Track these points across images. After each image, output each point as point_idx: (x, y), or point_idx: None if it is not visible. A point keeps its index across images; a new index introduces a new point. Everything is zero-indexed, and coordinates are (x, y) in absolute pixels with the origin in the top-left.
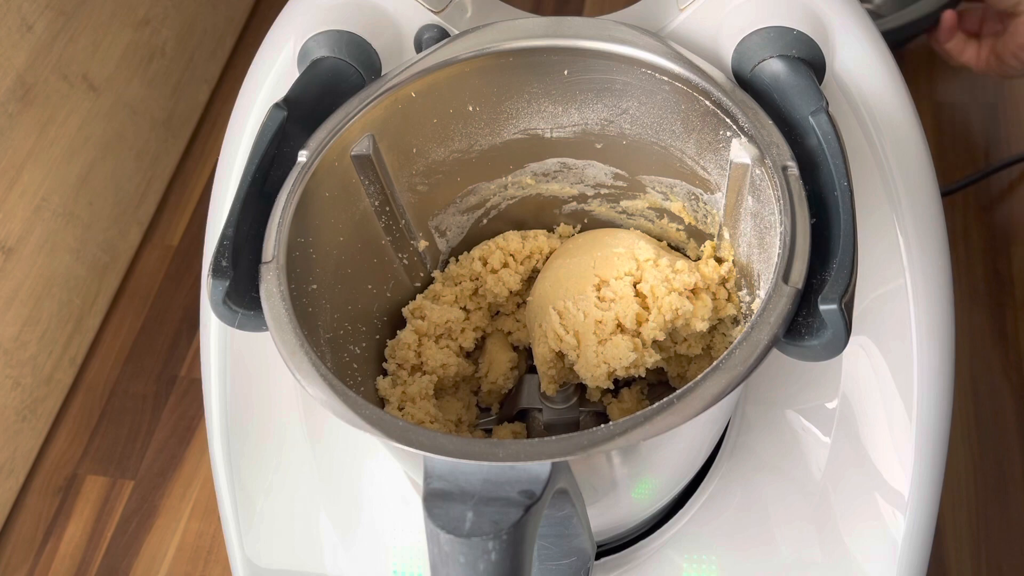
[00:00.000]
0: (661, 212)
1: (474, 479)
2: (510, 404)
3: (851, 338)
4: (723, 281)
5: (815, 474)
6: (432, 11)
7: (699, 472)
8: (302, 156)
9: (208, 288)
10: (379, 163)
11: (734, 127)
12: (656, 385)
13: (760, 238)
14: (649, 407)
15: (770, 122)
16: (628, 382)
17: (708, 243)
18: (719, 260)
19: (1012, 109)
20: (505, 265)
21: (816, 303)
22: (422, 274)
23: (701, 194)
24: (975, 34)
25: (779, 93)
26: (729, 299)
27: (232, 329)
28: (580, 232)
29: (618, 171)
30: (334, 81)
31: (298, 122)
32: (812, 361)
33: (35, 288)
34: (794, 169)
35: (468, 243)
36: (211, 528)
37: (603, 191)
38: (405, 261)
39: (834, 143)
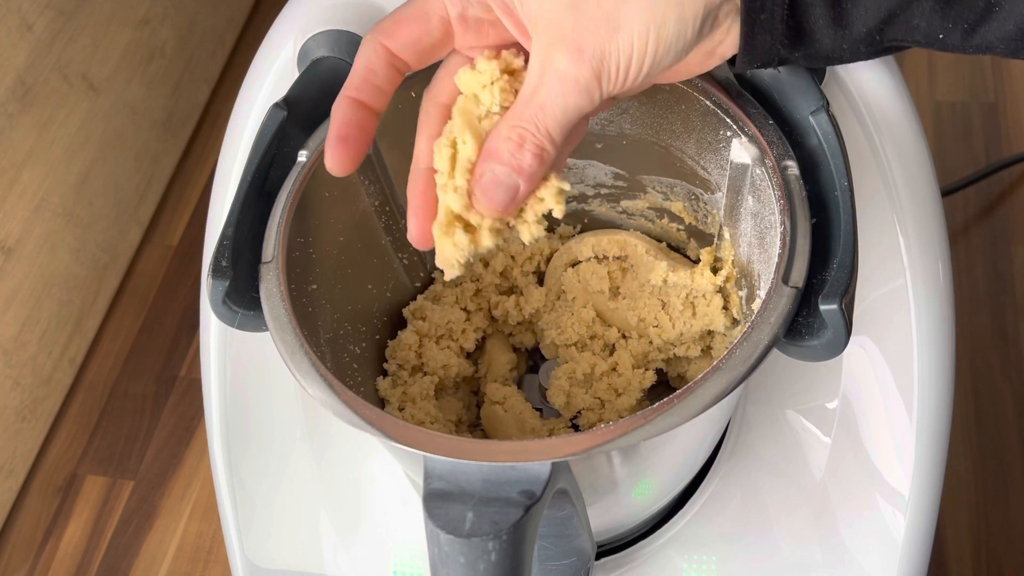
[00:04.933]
0: (661, 212)
1: (474, 479)
2: None
3: (851, 338)
4: (718, 290)
5: (815, 474)
6: None
7: (699, 472)
8: (302, 156)
9: (208, 288)
10: (379, 163)
11: (734, 127)
12: (656, 385)
13: (760, 238)
14: (649, 407)
15: (770, 122)
16: None
17: (706, 251)
18: (715, 270)
19: (1012, 109)
20: (512, 289)
21: (816, 303)
22: (422, 274)
23: (701, 194)
24: None
25: (779, 93)
26: (725, 307)
27: (232, 329)
28: (580, 232)
29: (618, 171)
30: (334, 81)
31: (298, 122)
32: (812, 361)
33: (35, 288)
34: (794, 169)
35: None
36: (211, 528)
37: (603, 191)
38: (405, 261)
39: (834, 143)
